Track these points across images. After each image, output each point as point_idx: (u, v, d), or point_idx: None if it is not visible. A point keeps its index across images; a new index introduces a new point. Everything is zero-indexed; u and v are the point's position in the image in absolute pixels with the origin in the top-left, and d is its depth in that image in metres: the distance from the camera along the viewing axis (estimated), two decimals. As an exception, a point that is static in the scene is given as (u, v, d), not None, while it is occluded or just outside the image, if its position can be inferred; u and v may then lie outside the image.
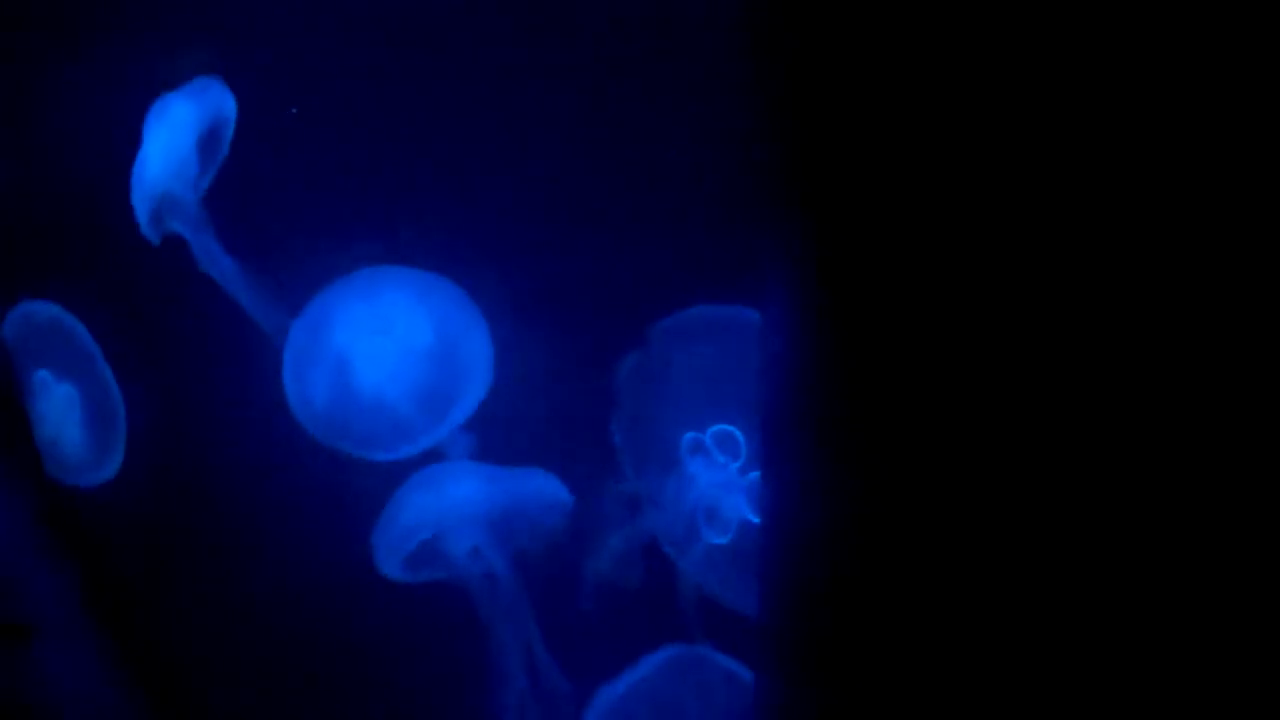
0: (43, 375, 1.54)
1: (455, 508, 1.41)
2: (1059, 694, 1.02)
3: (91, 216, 1.48)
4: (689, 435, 1.42)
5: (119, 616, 1.55)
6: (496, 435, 1.43)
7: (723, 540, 1.42)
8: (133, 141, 1.45)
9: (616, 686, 1.42)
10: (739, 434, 1.41)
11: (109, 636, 1.54)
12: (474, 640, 1.42)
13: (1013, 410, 1.01)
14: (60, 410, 1.53)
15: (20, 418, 1.56)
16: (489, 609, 1.42)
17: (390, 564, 1.42)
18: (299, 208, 1.43)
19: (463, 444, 1.42)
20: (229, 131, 1.42)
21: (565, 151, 1.41)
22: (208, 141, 1.43)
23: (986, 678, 1.04)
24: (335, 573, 1.43)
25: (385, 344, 1.42)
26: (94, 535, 1.56)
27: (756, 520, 1.39)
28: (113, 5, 1.46)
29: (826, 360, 1.10)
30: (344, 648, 1.47)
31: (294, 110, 1.41)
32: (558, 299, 1.42)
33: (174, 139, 1.43)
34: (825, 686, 1.13)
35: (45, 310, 1.52)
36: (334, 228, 1.42)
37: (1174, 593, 0.99)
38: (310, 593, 1.47)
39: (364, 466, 1.42)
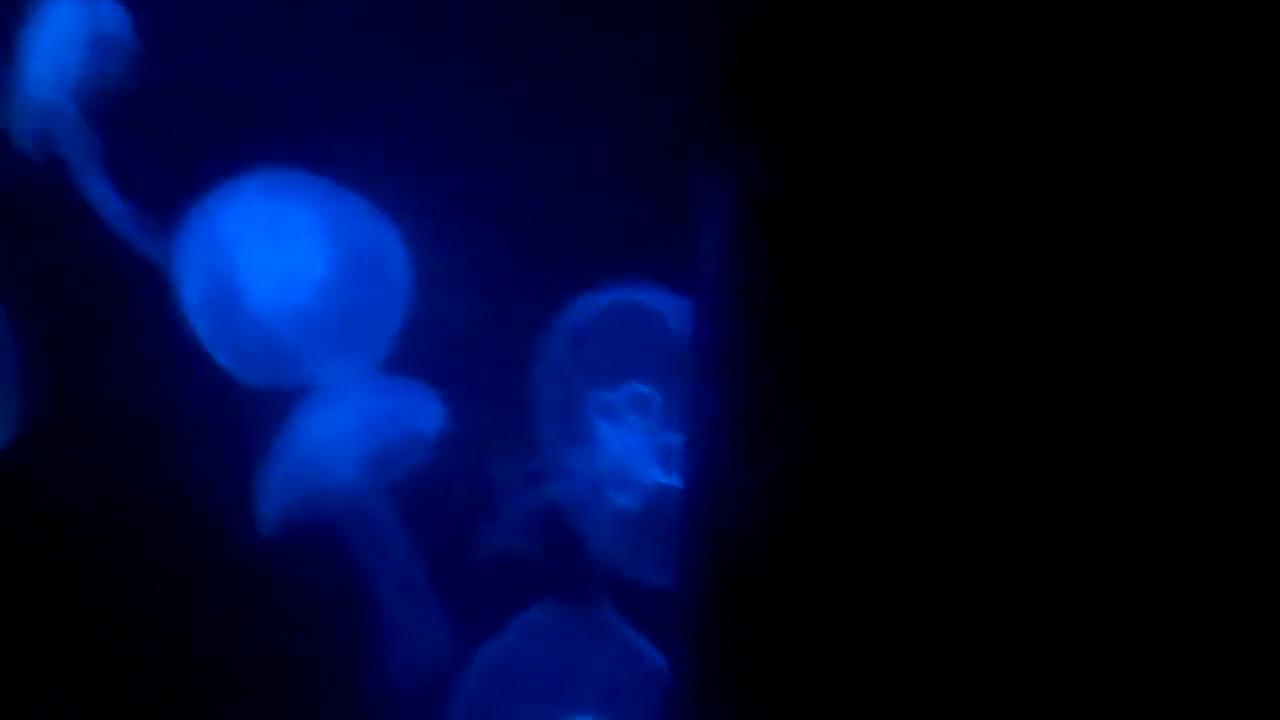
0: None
1: (335, 439, 1.35)
2: (994, 674, 0.98)
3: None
4: (600, 396, 1.36)
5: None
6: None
7: (633, 505, 1.36)
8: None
9: (498, 643, 1.36)
10: (654, 394, 1.35)
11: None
12: (358, 589, 1.36)
13: (959, 385, 0.98)
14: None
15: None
16: (369, 553, 1.36)
17: (273, 513, 1.35)
18: (197, 129, 1.37)
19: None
20: (118, 42, 1.35)
21: (503, 89, 1.36)
22: (93, 51, 1.35)
23: (918, 649, 0.99)
24: (235, 521, 1.36)
25: (276, 258, 1.36)
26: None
27: (669, 484, 1.34)
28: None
29: (764, 322, 1.05)
30: (229, 598, 1.40)
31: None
32: (481, 250, 1.37)
33: (55, 45, 1.36)
34: (743, 663, 1.08)
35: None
36: (240, 155, 1.36)
37: (1099, 549, 0.96)
38: (212, 545, 1.39)
39: (262, 401, 1.35)
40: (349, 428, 1.36)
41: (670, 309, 1.35)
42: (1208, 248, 0.94)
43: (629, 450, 1.36)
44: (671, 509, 1.34)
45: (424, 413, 1.37)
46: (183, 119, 1.37)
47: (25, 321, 1.39)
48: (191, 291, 1.36)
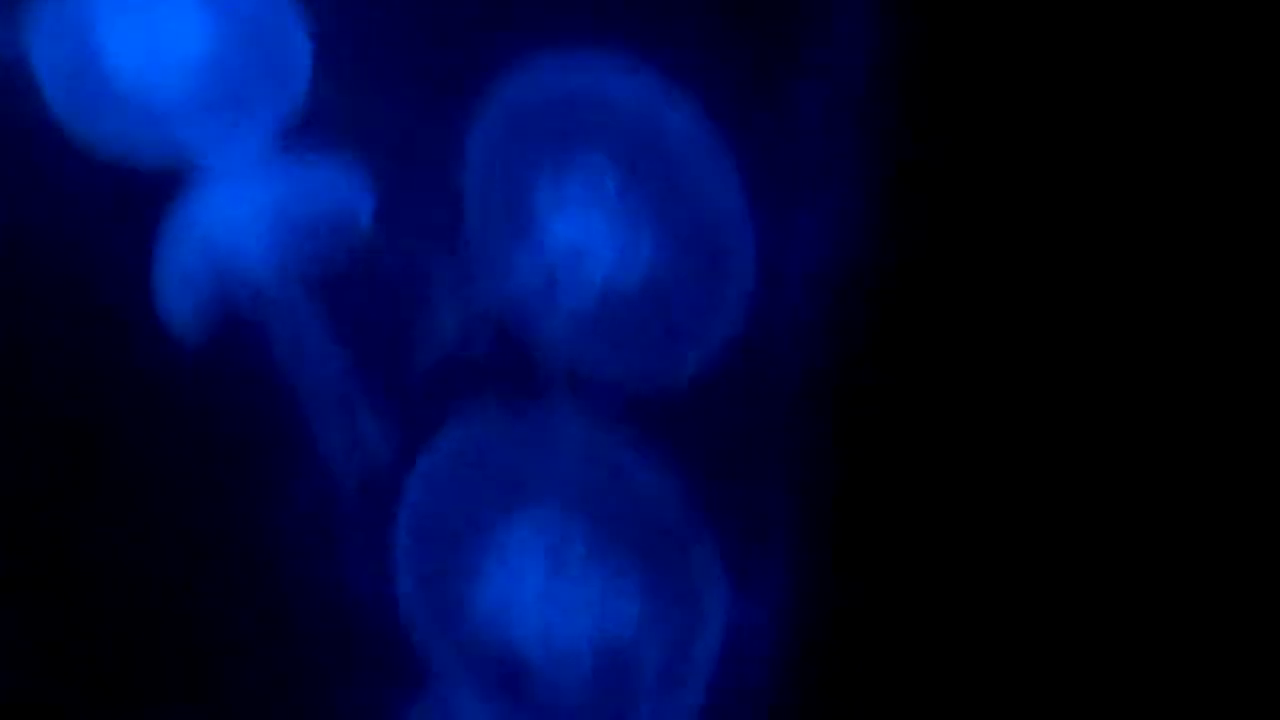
0: None
1: (234, 225, 1.22)
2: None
3: None
4: (545, 185, 1.22)
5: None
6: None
7: (585, 302, 1.22)
8: None
9: (441, 447, 1.25)
10: (608, 176, 1.21)
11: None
12: (284, 396, 1.25)
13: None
14: None
15: None
16: (291, 355, 1.24)
17: (183, 311, 1.23)
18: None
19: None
20: None
21: None
22: None
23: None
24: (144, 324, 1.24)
25: (147, 25, 1.21)
26: None
27: (625, 276, 1.21)
28: None
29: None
30: (149, 412, 1.28)
31: None
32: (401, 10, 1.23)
33: None
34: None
35: None
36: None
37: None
38: (122, 352, 1.27)
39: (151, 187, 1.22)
40: (251, 212, 1.22)
41: (626, 82, 1.21)
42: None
43: (577, 241, 1.22)
44: (628, 305, 1.22)
45: (347, 195, 1.22)
46: None
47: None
48: (52, 76, 1.22)
